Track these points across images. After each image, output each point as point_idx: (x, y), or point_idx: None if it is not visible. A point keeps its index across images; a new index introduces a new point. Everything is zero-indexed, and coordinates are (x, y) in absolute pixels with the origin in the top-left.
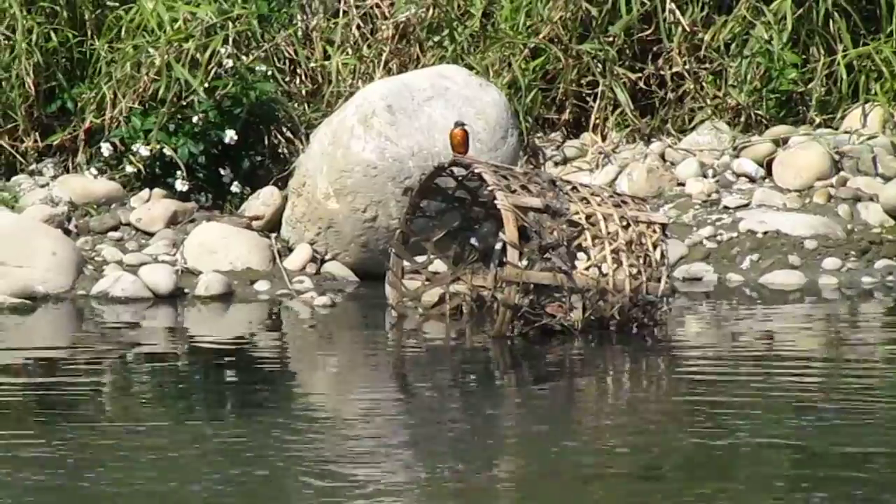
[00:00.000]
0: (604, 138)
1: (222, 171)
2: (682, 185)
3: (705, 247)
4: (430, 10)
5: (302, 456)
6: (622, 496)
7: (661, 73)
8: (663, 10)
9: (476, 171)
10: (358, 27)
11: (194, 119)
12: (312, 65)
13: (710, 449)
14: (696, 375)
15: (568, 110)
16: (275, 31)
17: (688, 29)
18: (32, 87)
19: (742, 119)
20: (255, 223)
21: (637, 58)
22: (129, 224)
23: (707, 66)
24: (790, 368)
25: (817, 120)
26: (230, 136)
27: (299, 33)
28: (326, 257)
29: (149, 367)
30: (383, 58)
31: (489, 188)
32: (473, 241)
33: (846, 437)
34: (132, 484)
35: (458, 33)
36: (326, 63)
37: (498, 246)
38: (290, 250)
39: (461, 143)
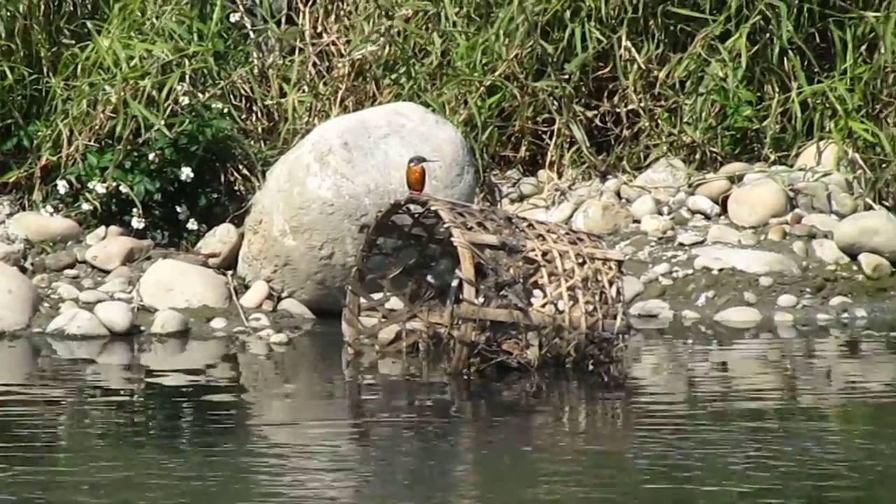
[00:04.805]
0: (560, 175)
1: (178, 209)
2: (638, 222)
3: (661, 284)
4: (387, 48)
5: (256, 490)
6: None
7: (617, 110)
8: (619, 48)
9: (432, 208)
10: (314, 65)
11: (150, 156)
12: (269, 102)
13: (666, 491)
14: (652, 414)
15: (524, 147)
16: (231, 68)
17: (643, 66)
18: None
19: (697, 156)
20: (211, 260)
21: (593, 95)
22: (85, 262)
23: (662, 103)
24: (745, 407)
25: (772, 157)
26: (186, 173)
27: (255, 71)
28: (283, 294)
29: (103, 404)
30: (339, 95)
31: (445, 225)
32: (430, 278)
33: (802, 476)
34: None
35: (414, 71)
36: (282, 100)
37: (454, 283)
38: (247, 287)
39: (418, 180)
